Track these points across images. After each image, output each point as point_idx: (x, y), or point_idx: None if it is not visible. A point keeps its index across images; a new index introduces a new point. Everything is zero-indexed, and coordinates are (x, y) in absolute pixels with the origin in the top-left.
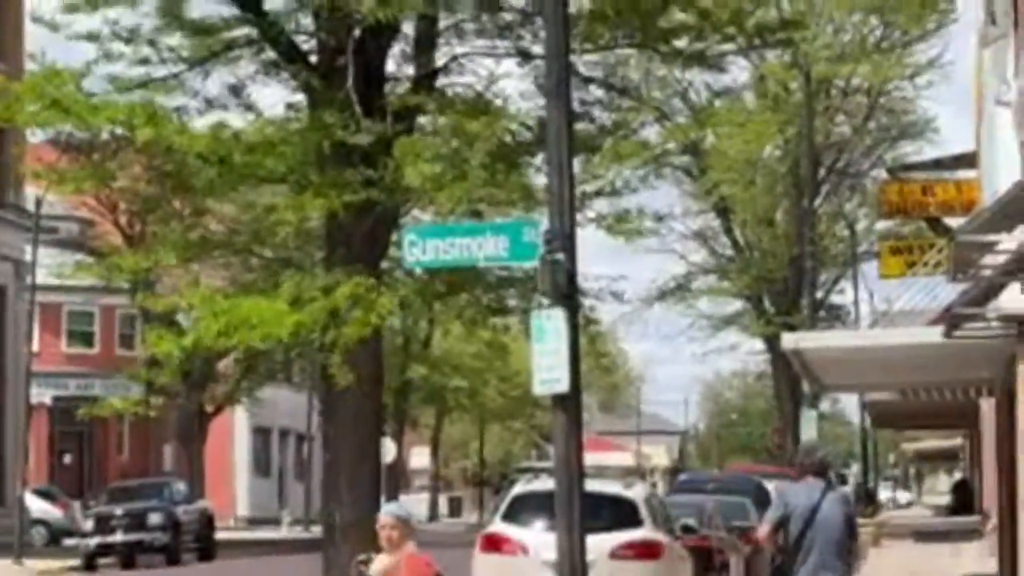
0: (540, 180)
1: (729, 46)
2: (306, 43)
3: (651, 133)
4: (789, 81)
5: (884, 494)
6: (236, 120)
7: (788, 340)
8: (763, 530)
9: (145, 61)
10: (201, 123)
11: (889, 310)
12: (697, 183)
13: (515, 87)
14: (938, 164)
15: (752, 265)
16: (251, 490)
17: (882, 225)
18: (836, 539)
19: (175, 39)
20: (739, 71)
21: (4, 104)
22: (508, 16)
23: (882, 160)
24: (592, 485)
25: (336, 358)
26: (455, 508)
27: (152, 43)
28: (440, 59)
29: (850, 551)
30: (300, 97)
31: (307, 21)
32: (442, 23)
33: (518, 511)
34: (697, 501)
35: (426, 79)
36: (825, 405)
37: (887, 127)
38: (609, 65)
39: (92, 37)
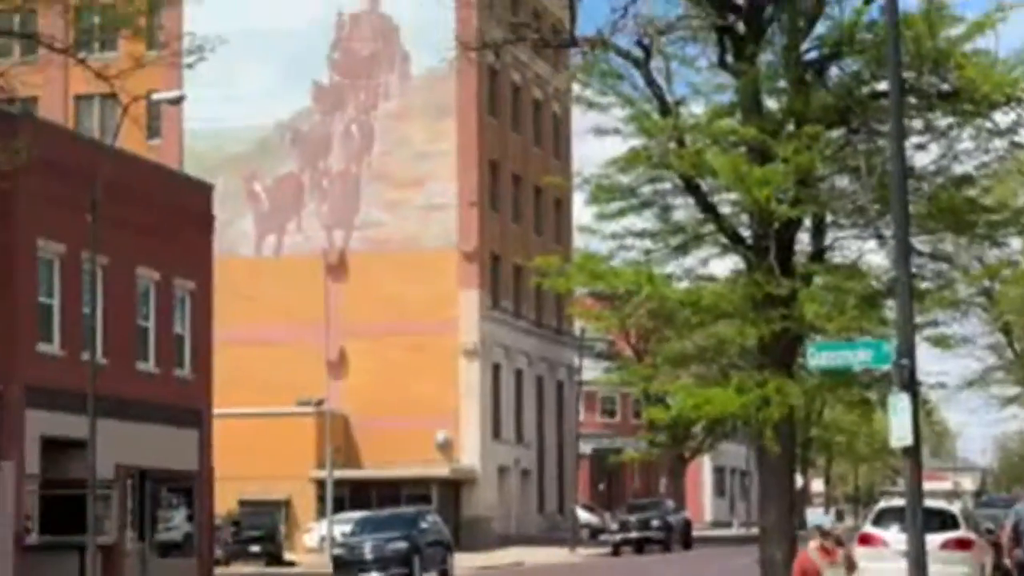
0: (891, 314)
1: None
2: (744, 230)
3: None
4: None
5: None
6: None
7: None
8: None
9: (647, 251)
10: (680, 285)
11: None
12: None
13: (875, 257)
14: None
15: None
16: (713, 505)
17: None
18: None
19: (664, 234)
20: None
21: (562, 279)
22: (870, 214)
23: None
24: (928, 503)
25: (768, 433)
26: (840, 517)
27: (652, 237)
28: (827, 240)
29: None
30: (742, 266)
31: (745, 218)
32: (828, 218)
33: (881, 519)
34: (994, 514)
35: (819, 253)
36: None
37: None
38: (936, 241)
39: (615, 236)
